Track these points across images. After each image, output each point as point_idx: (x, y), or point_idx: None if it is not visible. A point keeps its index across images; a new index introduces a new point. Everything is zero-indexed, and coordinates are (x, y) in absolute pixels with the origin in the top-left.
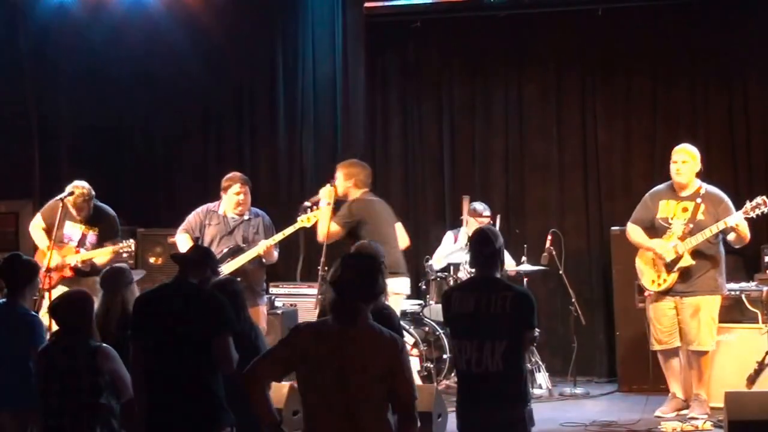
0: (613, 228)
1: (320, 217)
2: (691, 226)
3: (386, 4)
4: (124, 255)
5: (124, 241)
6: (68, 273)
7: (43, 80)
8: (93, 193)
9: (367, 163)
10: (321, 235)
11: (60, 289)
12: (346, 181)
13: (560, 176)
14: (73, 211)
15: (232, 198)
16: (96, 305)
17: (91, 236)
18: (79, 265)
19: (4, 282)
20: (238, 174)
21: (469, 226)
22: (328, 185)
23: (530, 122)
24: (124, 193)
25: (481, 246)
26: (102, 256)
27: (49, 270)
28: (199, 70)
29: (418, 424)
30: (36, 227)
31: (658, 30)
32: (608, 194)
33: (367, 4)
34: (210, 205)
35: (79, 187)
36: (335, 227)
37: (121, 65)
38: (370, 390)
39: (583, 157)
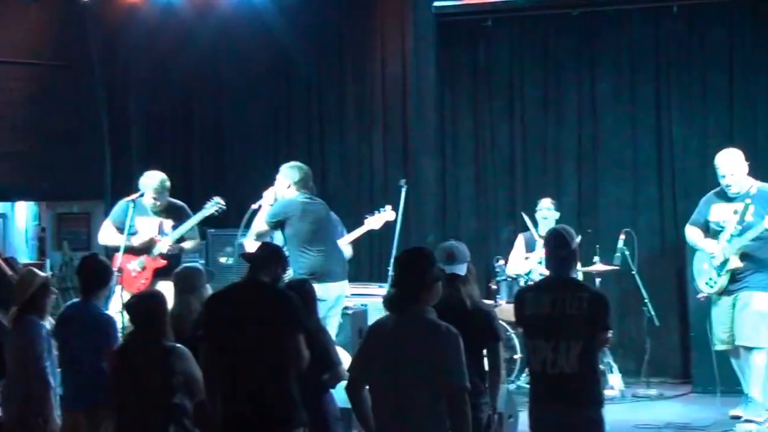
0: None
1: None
2: (740, 227)
3: (456, 3)
4: (217, 211)
5: (212, 200)
6: (161, 262)
7: (114, 81)
8: (167, 183)
9: (437, 163)
10: (251, 234)
11: (159, 286)
12: (284, 182)
13: (634, 175)
14: (152, 203)
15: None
16: (171, 305)
17: (167, 226)
18: (170, 248)
19: (80, 282)
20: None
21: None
22: (271, 188)
23: (603, 120)
24: (194, 193)
25: (558, 247)
26: (192, 240)
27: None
28: (268, 70)
29: (468, 417)
30: (109, 234)
31: (734, 26)
32: (683, 193)
33: (436, 3)
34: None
35: (160, 174)
36: (262, 226)
37: (190, 65)
38: (420, 381)
39: (657, 155)
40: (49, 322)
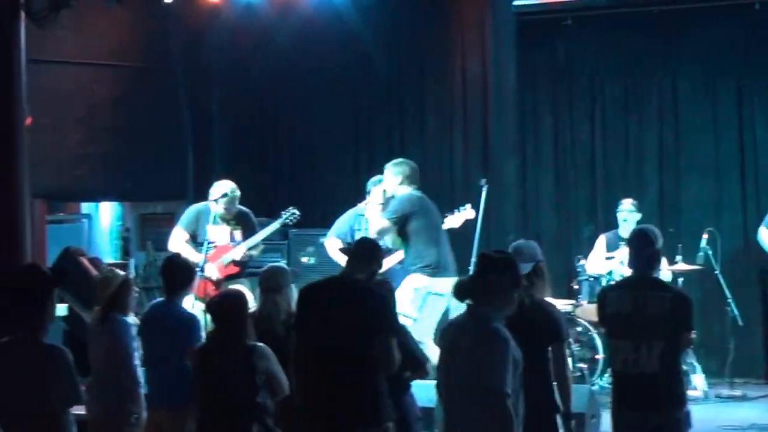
0: (761, 228)
1: (371, 216)
2: None
3: (536, 1)
4: (291, 221)
5: (288, 210)
6: (233, 269)
7: (196, 82)
8: (237, 193)
9: (517, 163)
10: (372, 231)
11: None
12: (393, 180)
13: (716, 174)
14: (222, 212)
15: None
16: (256, 305)
17: (238, 235)
18: (245, 255)
19: (164, 282)
20: (379, 177)
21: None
22: (379, 186)
23: (685, 119)
24: (277, 192)
25: (642, 247)
26: (257, 246)
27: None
28: (348, 71)
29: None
30: (179, 242)
31: None
32: (766, 191)
33: (516, 2)
34: (358, 209)
35: (231, 184)
36: (384, 223)
37: (271, 65)
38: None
39: (740, 154)
40: (133, 321)
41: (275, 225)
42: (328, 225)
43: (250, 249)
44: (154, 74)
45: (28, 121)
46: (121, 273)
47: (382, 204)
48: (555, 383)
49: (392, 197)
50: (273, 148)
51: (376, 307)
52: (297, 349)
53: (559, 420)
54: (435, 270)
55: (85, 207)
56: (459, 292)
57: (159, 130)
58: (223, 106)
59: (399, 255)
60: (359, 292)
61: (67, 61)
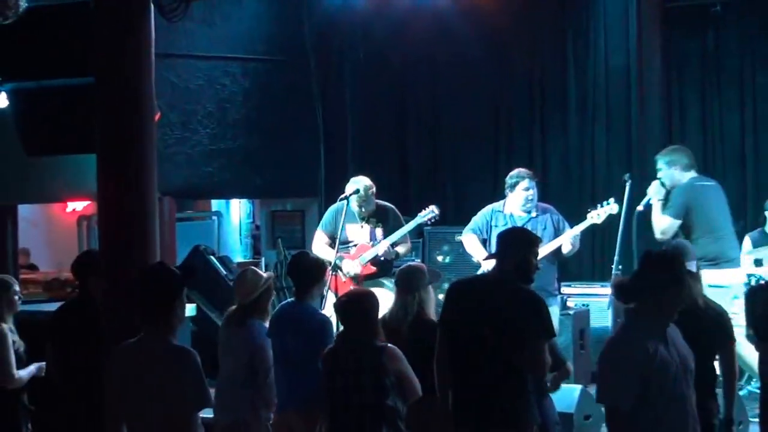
0: None
1: (653, 213)
2: None
3: None
4: (430, 221)
5: (428, 209)
6: (371, 268)
7: (328, 75)
8: (372, 188)
9: None
10: (656, 232)
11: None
12: (671, 169)
13: None
14: (357, 209)
15: (520, 195)
16: (390, 305)
17: (379, 233)
18: (386, 253)
19: (293, 281)
20: (524, 170)
21: None
22: (655, 181)
23: None
24: (410, 189)
25: None
26: (404, 244)
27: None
28: (486, 64)
29: None
30: (321, 245)
31: None
32: None
33: None
34: (495, 205)
35: (364, 180)
36: (664, 221)
37: (406, 57)
38: None
39: None
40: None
41: (413, 224)
42: (463, 222)
43: (392, 247)
44: (287, 67)
45: (157, 117)
46: (265, 275)
47: (662, 200)
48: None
49: (672, 190)
50: (407, 143)
51: (531, 310)
52: (442, 348)
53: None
54: (712, 263)
55: (215, 204)
56: (621, 293)
57: (290, 125)
58: (356, 101)
59: (552, 245)
60: (513, 292)
61: (197, 55)
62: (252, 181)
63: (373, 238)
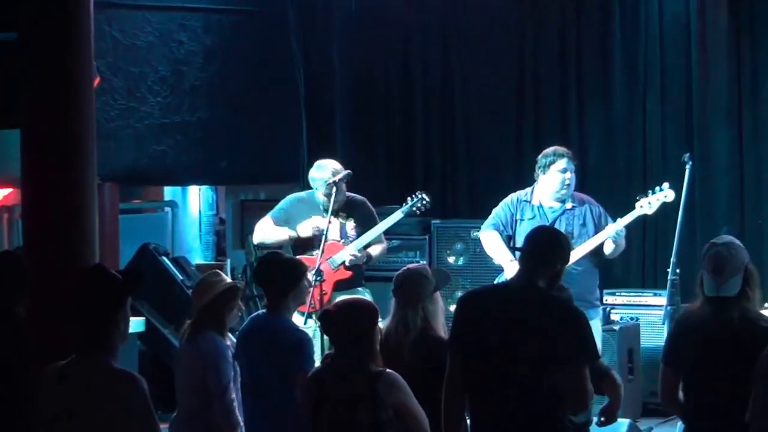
0: None
1: None
2: None
3: None
4: (418, 209)
5: (416, 196)
6: (345, 273)
7: (312, 31)
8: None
9: (732, 132)
10: None
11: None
12: None
13: None
14: (324, 200)
15: (554, 179)
16: (387, 320)
17: (351, 228)
18: (354, 257)
19: (263, 289)
20: (560, 148)
21: None
22: None
23: None
24: (414, 176)
25: None
26: (379, 245)
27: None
28: (509, 19)
29: None
30: (270, 228)
31: None
32: None
33: None
34: (520, 194)
35: (332, 165)
36: None
37: (409, 11)
38: None
39: None
40: (230, 341)
41: (397, 215)
42: (479, 215)
43: (366, 247)
44: (259, 20)
45: (96, 82)
46: (228, 278)
47: None
48: None
49: None
50: (411, 118)
51: (567, 323)
52: (454, 373)
53: None
54: None
55: (169, 193)
56: None
57: (264, 94)
58: (347, 64)
59: (591, 243)
60: (543, 303)
61: (147, 5)
62: (215, 164)
63: (344, 235)
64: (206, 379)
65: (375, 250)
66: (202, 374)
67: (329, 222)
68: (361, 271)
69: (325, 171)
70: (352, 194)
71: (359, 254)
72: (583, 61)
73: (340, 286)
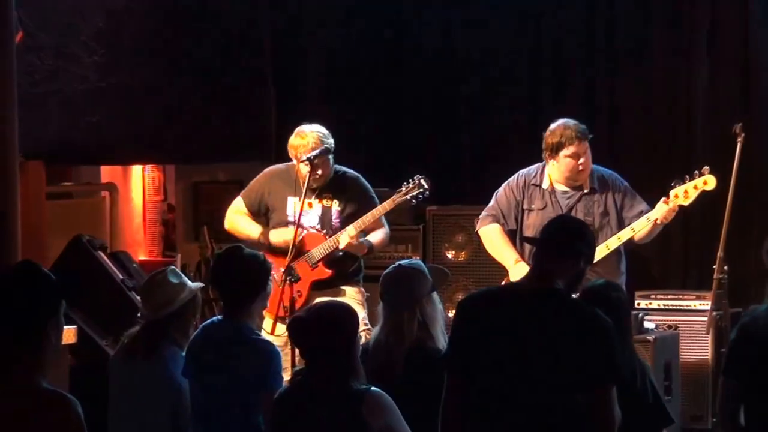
0: None
1: None
2: None
3: None
4: (415, 199)
5: (415, 180)
6: (325, 272)
7: None
8: (331, 141)
9: None
10: None
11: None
12: None
13: None
14: (305, 177)
15: (564, 166)
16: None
17: (336, 213)
18: (348, 246)
19: (220, 291)
20: (570, 125)
21: None
22: None
23: None
24: (404, 153)
25: None
26: (380, 231)
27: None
28: None
29: None
30: (239, 217)
31: None
32: None
33: None
34: (528, 175)
35: (317, 130)
36: None
37: None
38: None
39: None
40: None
41: (391, 202)
42: (486, 201)
43: (355, 237)
44: None
45: (18, 37)
46: (191, 283)
47: None
48: None
49: None
50: (402, 84)
51: (592, 335)
52: (452, 396)
53: None
54: None
55: (107, 173)
56: None
57: (222, 52)
58: (324, 15)
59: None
60: (561, 312)
61: None
62: (163, 138)
63: (327, 221)
64: (161, 400)
65: (376, 238)
66: (171, 402)
67: (302, 207)
68: (349, 266)
69: (306, 138)
70: (343, 168)
71: (357, 240)
72: (613, 21)
73: (319, 286)
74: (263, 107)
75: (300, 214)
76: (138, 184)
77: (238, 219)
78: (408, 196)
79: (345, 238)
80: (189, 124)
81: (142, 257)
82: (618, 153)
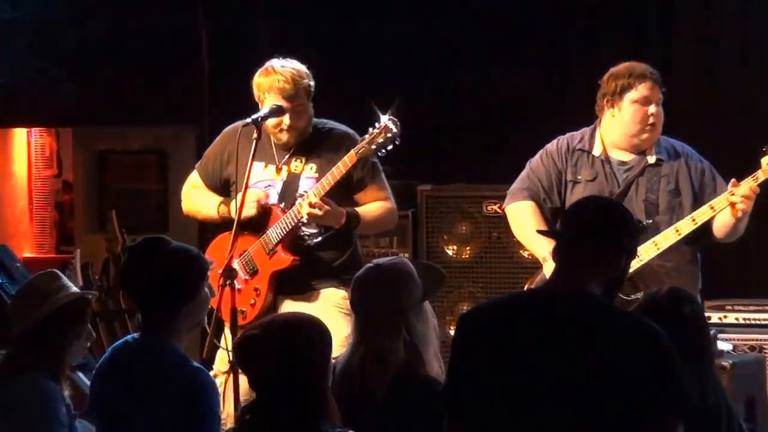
0: None
1: None
2: None
3: None
4: (382, 147)
5: (381, 121)
6: (285, 259)
7: None
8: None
9: None
10: None
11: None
12: None
13: None
14: (275, 131)
15: (630, 115)
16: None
17: (308, 178)
18: (309, 232)
19: (136, 299)
20: (640, 65)
21: None
22: None
23: None
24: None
25: None
26: (375, 203)
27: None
28: None
29: None
30: (196, 193)
31: None
32: None
33: None
34: (571, 140)
35: (288, 67)
36: None
37: None
38: None
39: None
40: (74, 388)
41: (352, 156)
42: (499, 180)
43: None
44: None
45: None
46: (70, 284)
47: None
48: None
49: None
50: (371, 28)
51: (641, 357)
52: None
53: None
54: None
55: None
56: None
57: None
58: None
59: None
60: (601, 324)
61: None
62: (57, 94)
63: (290, 193)
64: None
65: (368, 209)
66: None
67: (248, 172)
68: (330, 258)
69: (273, 76)
70: (329, 122)
71: (326, 207)
72: None
73: (282, 282)
74: (192, 54)
75: (248, 182)
76: (22, 155)
77: (195, 196)
78: (373, 146)
79: (305, 206)
80: (90, 76)
81: (27, 254)
82: (677, 120)
